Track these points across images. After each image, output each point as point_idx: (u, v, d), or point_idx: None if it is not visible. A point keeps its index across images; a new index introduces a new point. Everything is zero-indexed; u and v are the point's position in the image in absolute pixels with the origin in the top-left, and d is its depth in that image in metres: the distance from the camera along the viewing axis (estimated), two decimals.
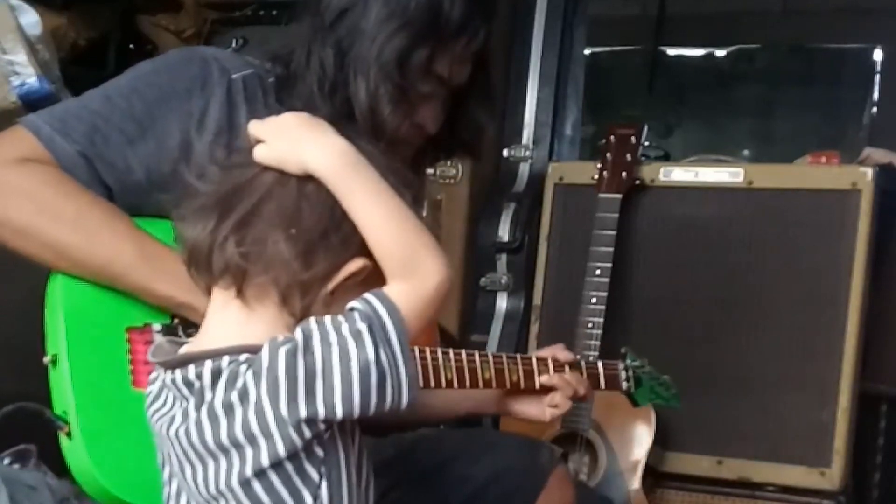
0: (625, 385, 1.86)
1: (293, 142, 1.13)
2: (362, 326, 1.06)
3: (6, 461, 1.44)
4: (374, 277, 1.11)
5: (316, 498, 1.11)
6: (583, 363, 1.77)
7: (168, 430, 1.14)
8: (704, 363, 2.54)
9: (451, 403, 1.71)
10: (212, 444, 1.10)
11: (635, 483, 2.42)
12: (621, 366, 1.87)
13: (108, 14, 2.92)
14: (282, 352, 1.06)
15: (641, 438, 2.43)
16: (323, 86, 1.52)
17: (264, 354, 1.07)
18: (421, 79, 1.52)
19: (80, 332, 1.43)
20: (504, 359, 1.64)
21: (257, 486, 1.09)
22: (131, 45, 3.06)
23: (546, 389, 1.68)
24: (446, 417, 1.81)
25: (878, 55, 4.91)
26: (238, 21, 3.17)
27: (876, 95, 4.90)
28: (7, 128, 1.53)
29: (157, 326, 1.46)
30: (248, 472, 1.09)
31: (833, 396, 2.43)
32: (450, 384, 1.56)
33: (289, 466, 1.09)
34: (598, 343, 2.41)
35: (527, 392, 1.68)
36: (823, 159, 2.62)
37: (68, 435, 1.38)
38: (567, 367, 1.71)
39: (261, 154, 1.13)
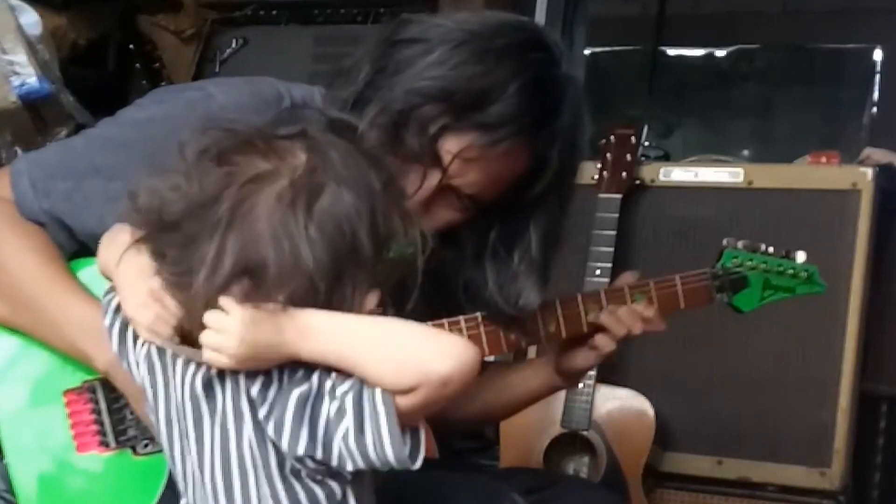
0: (716, 295, 1.62)
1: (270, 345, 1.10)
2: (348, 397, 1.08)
3: (5, 461, 1.44)
4: None
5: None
6: (652, 283, 1.58)
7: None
8: (704, 363, 2.54)
9: (514, 391, 1.67)
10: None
11: (635, 483, 2.41)
12: (709, 272, 1.62)
13: (108, 14, 2.92)
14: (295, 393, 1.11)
15: (641, 438, 2.43)
16: (349, 95, 1.42)
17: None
18: (415, 137, 1.39)
19: (16, 407, 1.41)
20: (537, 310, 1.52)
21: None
22: (131, 46, 3.06)
23: (598, 329, 1.56)
24: (515, 407, 1.75)
25: (878, 55, 4.91)
26: (238, 21, 3.17)
27: (876, 95, 4.90)
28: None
29: (93, 385, 1.42)
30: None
31: (833, 396, 2.43)
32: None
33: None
34: None
35: (577, 341, 1.58)
36: (823, 159, 2.61)
37: None
38: (628, 293, 1.57)
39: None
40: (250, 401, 1.11)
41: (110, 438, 1.42)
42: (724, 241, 1.64)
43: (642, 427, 2.43)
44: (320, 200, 1.09)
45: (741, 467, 2.50)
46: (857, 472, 2.51)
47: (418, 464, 1.09)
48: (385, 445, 1.07)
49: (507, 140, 1.38)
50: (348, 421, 1.07)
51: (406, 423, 1.08)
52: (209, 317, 1.10)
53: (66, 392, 1.42)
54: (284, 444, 1.09)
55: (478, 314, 1.52)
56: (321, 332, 1.09)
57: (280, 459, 1.11)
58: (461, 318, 1.51)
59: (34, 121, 2.36)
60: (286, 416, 1.09)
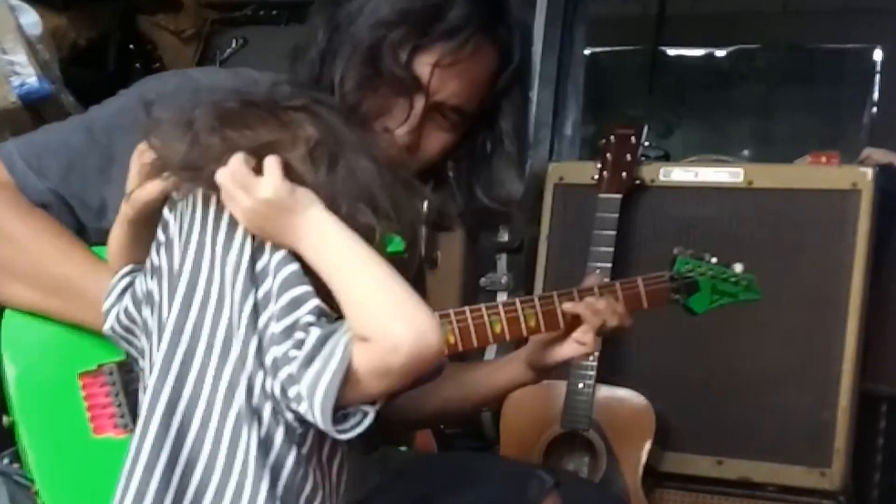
0: (674, 297, 1.73)
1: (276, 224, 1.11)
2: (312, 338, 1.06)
3: (5, 461, 1.44)
4: None
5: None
6: (618, 284, 1.67)
7: None
8: (704, 363, 2.54)
9: (476, 387, 1.69)
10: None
11: (635, 483, 2.41)
12: (667, 276, 1.73)
13: (108, 14, 2.92)
14: None
15: (641, 438, 2.43)
16: (313, 59, 1.48)
17: None
18: (391, 65, 1.44)
19: (32, 392, 1.42)
20: (518, 304, 1.60)
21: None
22: (131, 46, 3.07)
23: (574, 324, 1.60)
24: (479, 403, 1.77)
25: (878, 55, 4.90)
26: (238, 21, 3.18)
27: (876, 95, 4.89)
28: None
29: (110, 367, 1.43)
30: None
31: (833, 396, 2.43)
32: (453, 348, 1.53)
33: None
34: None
35: (554, 338, 1.62)
36: (823, 159, 2.61)
37: (37, 494, 1.38)
38: (597, 292, 1.63)
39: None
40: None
41: (127, 420, 1.42)
42: (675, 250, 1.76)
43: (642, 427, 2.44)
44: (338, 167, 1.13)
45: (741, 467, 2.50)
46: (857, 472, 2.51)
47: (343, 436, 1.06)
48: (320, 386, 1.03)
49: (474, 37, 1.46)
50: (301, 353, 1.05)
51: (356, 393, 1.05)
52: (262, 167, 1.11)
53: (82, 375, 1.43)
54: (262, 322, 1.09)
55: (466, 308, 1.57)
56: (327, 243, 1.09)
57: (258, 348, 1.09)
58: (451, 310, 1.56)
59: (34, 121, 2.36)
60: (277, 305, 1.08)
